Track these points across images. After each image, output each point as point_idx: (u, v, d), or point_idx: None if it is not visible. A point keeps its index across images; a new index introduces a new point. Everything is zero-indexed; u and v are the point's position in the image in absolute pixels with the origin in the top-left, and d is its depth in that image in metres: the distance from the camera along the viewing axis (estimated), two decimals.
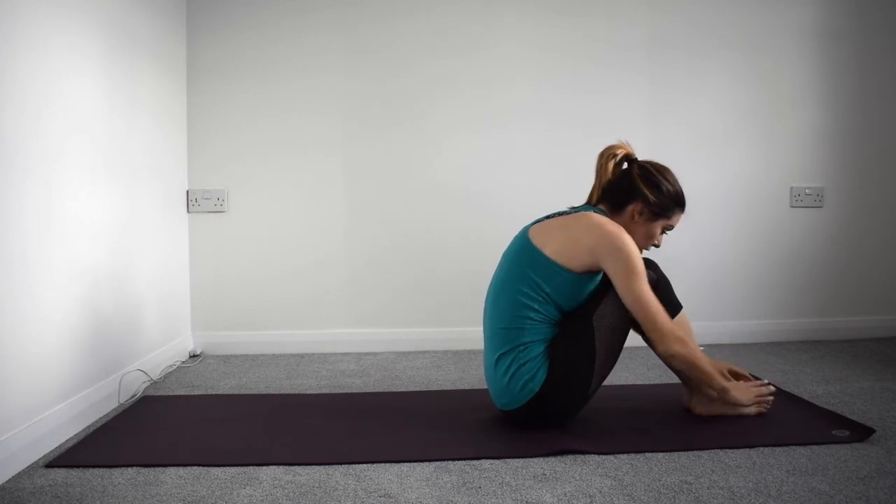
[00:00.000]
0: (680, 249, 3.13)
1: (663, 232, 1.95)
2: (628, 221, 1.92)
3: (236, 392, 2.36)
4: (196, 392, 2.36)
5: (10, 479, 1.56)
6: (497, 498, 1.45)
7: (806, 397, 2.16)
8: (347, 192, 3.02)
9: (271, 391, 2.36)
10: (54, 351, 1.82)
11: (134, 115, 2.38)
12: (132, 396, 2.25)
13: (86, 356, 2.00)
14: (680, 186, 1.96)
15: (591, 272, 1.84)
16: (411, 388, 2.36)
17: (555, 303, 1.84)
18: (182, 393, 2.35)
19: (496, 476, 1.56)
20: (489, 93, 3.05)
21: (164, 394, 2.32)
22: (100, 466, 1.63)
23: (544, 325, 1.85)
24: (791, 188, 3.17)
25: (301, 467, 1.62)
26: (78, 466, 1.63)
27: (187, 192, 2.96)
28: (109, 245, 2.17)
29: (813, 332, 3.16)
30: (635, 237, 1.91)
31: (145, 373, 2.38)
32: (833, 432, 1.80)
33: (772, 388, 1.95)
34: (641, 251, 1.92)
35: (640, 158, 2.00)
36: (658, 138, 3.11)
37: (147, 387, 2.38)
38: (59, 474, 1.59)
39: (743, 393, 1.92)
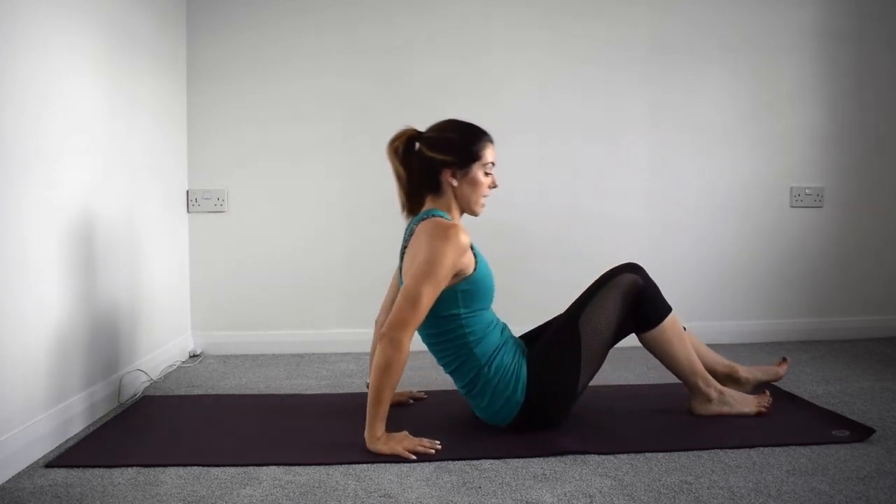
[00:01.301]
0: (680, 249, 3.13)
1: (488, 174, 1.87)
2: (451, 192, 1.85)
3: (236, 392, 2.36)
4: (196, 392, 2.36)
5: (10, 479, 1.56)
6: (497, 498, 1.45)
7: (806, 397, 2.16)
8: (347, 192, 3.02)
9: (271, 391, 2.36)
10: (54, 351, 1.82)
11: (134, 114, 2.38)
12: (132, 396, 2.25)
13: (86, 356, 2.00)
14: (465, 125, 1.88)
15: (463, 270, 1.77)
16: (411, 388, 2.36)
17: (475, 313, 1.82)
18: (182, 393, 2.35)
19: (496, 476, 1.56)
20: (489, 94, 3.04)
21: (164, 394, 2.32)
22: (100, 466, 1.63)
23: (488, 335, 1.83)
24: (791, 188, 3.17)
25: (301, 467, 1.62)
26: (78, 466, 1.63)
27: (187, 192, 2.96)
28: (109, 245, 2.16)
29: (813, 332, 3.16)
30: (470, 197, 1.85)
31: (145, 373, 2.38)
32: (833, 432, 1.80)
33: (437, 448, 1.70)
34: (484, 201, 1.88)
35: (421, 130, 1.91)
36: (658, 138, 3.11)
37: (147, 387, 2.38)
38: (59, 474, 1.59)
39: (385, 445, 1.69)
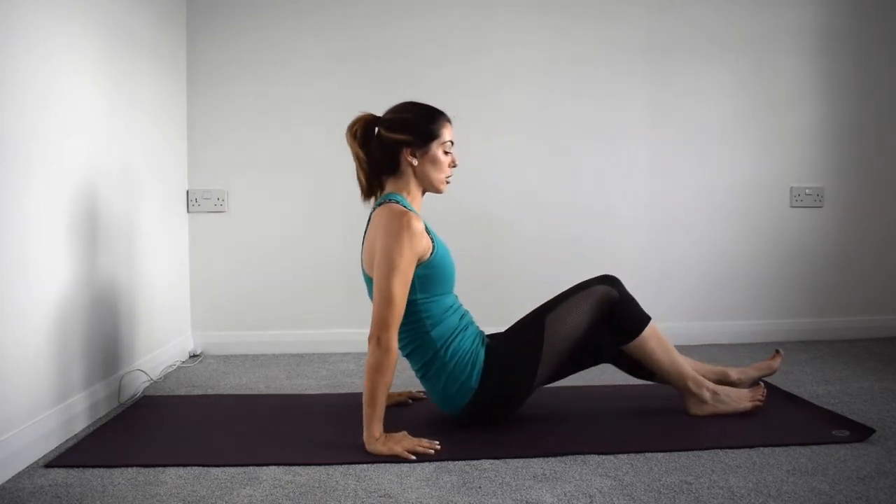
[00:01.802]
0: (680, 249, 3.13)
1: (447, 152, 1.87)
2: (411, 171, 1.85)
3: (236, 392, 2.36)
4: (196, 392, 2.36)
5: (10, 479, 1.56)
6: (497, 498, 1.45)
7: (806, 397, 2.16)
8: (347, 192, 2.99)
9: (271, 391, 2.36)
10: (54, 351, 1.82)
11: (134, 115, 2.38)
12: (132, 396, 2.25)
13: (86, 356, 2.00)
14: (421, 106, 1.88)
15: (422, 255, 1.78)
16: (411, 388, 2.36)
17: (433, 298, 1.83)
18: (182, 393, 2.35)
19: (496, 476, 1.56)
20: (490, 94, 3.05)
21: (164, 394, 2.32)
22: (100, 466, 1.63)
23: (446, 319, 1.84)
24: (791, 188, 3.17)
25: (301, 467, 1.62)
26: (78, 466, 1.63)
27: (187, 192, 2.96)
28: (109, 245, 2.17)
29: (813, 332, 3.16)
30: (431, 175, 1.86)
31: (145, 373, 2.38)
32: (833, 432, 1.80)
33: (436, 448, 1.70)
34: (446, 180, 1.88)
35: (379, 115, 1.90)
36: (658, 138, 3.11)
37: (147, 387, 2.38)
38: (59, 474, 1.59)
39: (384, 445, 1.69)
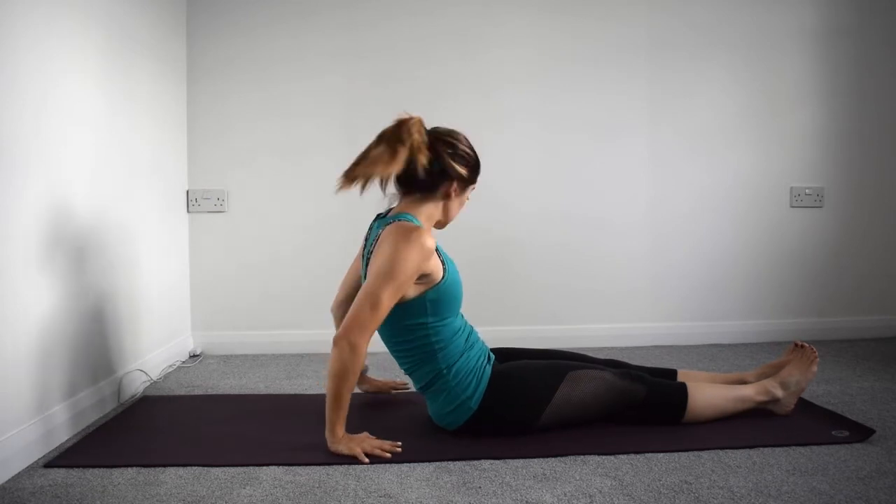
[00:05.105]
0: (680, 249, 3.13)
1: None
2: (442, 202, 1.84)
3: (236, 392, 2.36)
4: (196, 392, 2.36)
5: (10, 479, 1.56)
6: (497, 498, 1.45)
7: (806, 397, 2.16)
8: (348, 191, 3.00)
9: (271, 391, 2.36)
10: (55, 350, 1.82)
11: (134, 114, 2.38)
12: (132, 396, 2.25)
13: (86, 356, 2.00)
14: (473, 147, 1.88)
15: (430, 276, 1.74)
16: (411, 388, 2.36)
17: (443, 322, 1.79)
18: (182, 393, 2.35)
19: (496, 476, 1.56)
20: (488, 93, 3.04)
21: (164, 394, 2.32)
22: (100, 466, 1.62)
23: (454, 342, 1.80)
24: (791, 188, 3.17)
25: (301, 467, 1.62)
26: (78, 466, 1.63)
27: (187, 192, 2.96)
28: (109, 245, 2.17)
29: (813, 332, 3.16)
30: (452, 213, 1.88)
31: (145, 373, 2.38)
32: (833, 432, 1.80)
33: (396, 451, 1.69)
34: (451, 219, 1.89)
35: (428, 127, 1.85)
36: (658, 138, 3.11)
37: (147, 387, 2.38)
38: (59, 474, 1.59)
39: (346, 446, 1.67)
